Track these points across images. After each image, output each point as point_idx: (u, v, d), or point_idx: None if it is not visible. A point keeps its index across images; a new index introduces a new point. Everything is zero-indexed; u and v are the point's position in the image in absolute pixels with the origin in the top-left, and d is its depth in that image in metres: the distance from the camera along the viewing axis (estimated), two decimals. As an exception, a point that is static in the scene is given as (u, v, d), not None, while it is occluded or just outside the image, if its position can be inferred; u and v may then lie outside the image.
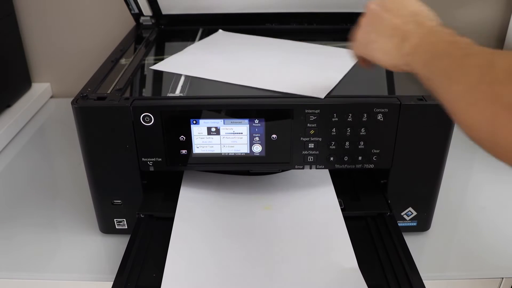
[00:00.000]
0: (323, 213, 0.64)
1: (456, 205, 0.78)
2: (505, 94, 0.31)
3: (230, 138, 0.62)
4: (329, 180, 0.70)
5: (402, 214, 0.68)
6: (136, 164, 0.62)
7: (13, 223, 0.75)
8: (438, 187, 0.66)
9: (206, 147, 0.62)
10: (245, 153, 0.63)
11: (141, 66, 0.75)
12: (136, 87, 0.68)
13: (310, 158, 0.63)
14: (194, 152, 0.62)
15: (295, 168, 0.64)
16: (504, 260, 0.66)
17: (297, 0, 0.92)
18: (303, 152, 0.62)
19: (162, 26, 0.96)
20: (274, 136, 0.61)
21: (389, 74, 0.69)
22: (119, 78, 0.68)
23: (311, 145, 0.62)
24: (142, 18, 0.96)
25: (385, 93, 0.66)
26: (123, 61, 0.76)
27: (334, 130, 0.61)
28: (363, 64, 0.56)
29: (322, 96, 0.60)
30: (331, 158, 0.63)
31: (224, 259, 0.57)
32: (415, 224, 0.69)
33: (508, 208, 0.77)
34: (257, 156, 0.63)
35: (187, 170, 0.71)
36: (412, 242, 0.65)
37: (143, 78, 0.72)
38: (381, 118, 0.60)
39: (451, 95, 0.37)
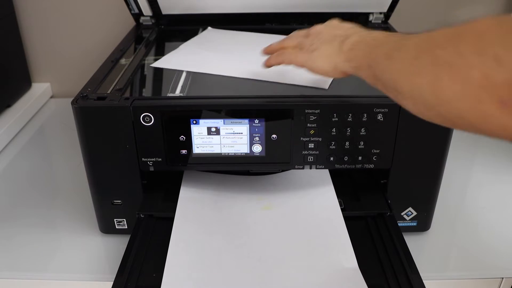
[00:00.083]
0: (323, 213, 0.64)
1: (456, 205, 0.78)
2: (444, 54, 0.33)
3: (230, 138, 0.62)
4: (329, 180, 0.70)
5: (402, 214, 0.68)
6: (136, 164, 0.62)
7: (13, 223, 0.75)
8: (438, 187, 0.66)
9: (206, 147, 0.62)
10: (245, 153, 0.63)
11: (141, 66, 0.75)
12: (136, 87, 0.68)
13: (310, 158, 0.63)
14: (194, 152, 0.62)
15: (295, 168, 0.64)
16: (504, 260, 0.66)
17: (297, 0, 0.92)
18: (303, 152, 0.62)
19: (162, 26, 0.96)
20: (274, 136, 0.61)
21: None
22: (119, 78, 0.68)
23: (311, 145, 0.62)
24: (142, 18, 0.97)
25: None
26: (123, 61, 0.76)
27: (334, 130, 0.61)
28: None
29: (326, 86, 0.60)
30: (331, 158, 0.63)
31: (224, 259, 0.57)
32: (415, 224, 0.69)
33: (508, 208, 0.77)
34: (257, 156, 0.63)
35: (187, 170, 0.71)
36: (412, 242, 0.65)
37: (143, 78, 0.72)
38: (381, 118, 0.60)
39: (394, 73, 0.39)
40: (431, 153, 0.63)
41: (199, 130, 0.61)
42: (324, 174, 0.71)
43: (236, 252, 0.58)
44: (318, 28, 0.58)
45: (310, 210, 0.65)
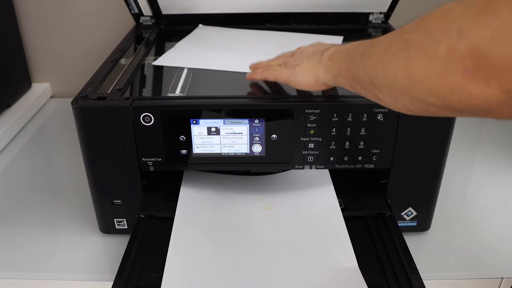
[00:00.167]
0: (323, 213, 0.64)
1: (456, 205, 0.78)
2: (413, 37, 0.35)
3: (230, 138, 0.62)
4: (329, 180, 0.70)
5: (402, 214, 0.68)
6: (136, 164, 0.62)
7: (13, 223, 0.75)
8: (438, 187, 0.66)
9: (206, 147, 0.62)
10: (245, 153, 0.63)
11: (141, 66, 0.75)
12: (136, 87, 0.68)
13: (310, 158, 0.63)
14: (194, 152, 0.62)
15: (295, 168, 0.64)
16: (504, 260, 0.66)
17: (297, 0, 0.92)
18: (303, 152, 0.62)
19: (162, 26, 0.96)
20: (274, 136, 0.61)
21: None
22: (119, 78, 0.68)
23: (311, 145, 0.62)
24: (142, 18, 0.96)
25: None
26: (123, 61, 0.76)
27: (334, 130, 0.61)
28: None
29: None
30: (331, 158, 0.63)
31: (224, 259, 0.57)
32: (415, 224, 0.69)
33: (508, 208, 0.77)
34: (257, 156, 0.63)
35: (187, 170, 0.71)
36: (412, 242, 0.65)
37: (143, 78, 0.72)
38: (381, 118, 0.60)
39: (368, 65, 0.41)
40: (431, 153, 0.63)
41: (199, 130, 0.61)
42: (324, 174, 0.71)
43: (236, 252, 0.58)
44: (302, 47, 0.61)
45: (310, 210, 0.65)
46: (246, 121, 0.60)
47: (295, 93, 0.63)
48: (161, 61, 0.74)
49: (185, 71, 0.71)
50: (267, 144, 0.62)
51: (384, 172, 0.66)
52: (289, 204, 0.67)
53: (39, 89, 1.17)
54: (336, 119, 0.60)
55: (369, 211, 0.67)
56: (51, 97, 1.21)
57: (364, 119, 0.60)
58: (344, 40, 0.85)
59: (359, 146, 0.62)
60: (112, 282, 0.54)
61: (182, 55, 0.77)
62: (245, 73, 0.69)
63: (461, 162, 0.89)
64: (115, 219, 0.68)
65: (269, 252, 0.58)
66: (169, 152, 0.62)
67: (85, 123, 0.60)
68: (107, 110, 0.59)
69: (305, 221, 0.63)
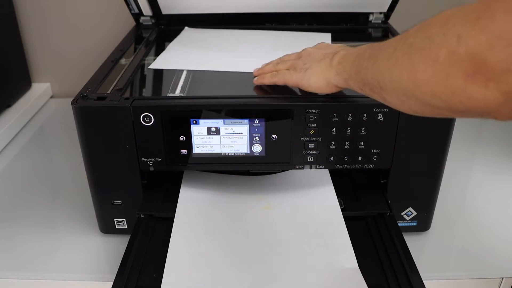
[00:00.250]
0: (323, 213, 0.64)
1: (456, 205, 0.78)
2: (416, 41, 0.37)
3: (230, 138, 0.62)
4: (329, 180, 0.70)
5: (402, 214, 0.68)
6: (136, 164, 0.62)
7: (13, 223, 0.75)
8: (438, 187, 0.66)
9: (206, 147, 0.62)
10: (245, 153, 0.63)
11: (141, 66, 0.75)
12: (136, 87, 0.68)
13: (310, 158, 0.63)
14: (194, 152, 0.62)
15: (295, 168, 0.64)
16: (504, 260, 0.67)
17: (297, 0, 0.92)
18: (303, 152, 0.62)
19: (162, 26, 0.96)
20: (274, 136, 0.61)
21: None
22: (119, 78, 0.68)
23: (311, 145, 0.62)
24: (142, 18, 0.96)
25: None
26: (123, 61, 0.76)
27: (334, 130, 0.61)
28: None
29: None
30: (331, 158, 0.63)
31: (224, 259, 0.57)
32: (415, 224, 0.69)
33: (508, 208, 0.77)
34: (257, 156, 0.63)
35: (187, 170, 0.71)
36: (412, 242, 0.65)
37: (143, 78, 0.72)
38: (381, 118, 0.60)
39: (376, 69, 0.43)
40: (431, 153, 0.63)
41: (199, 130, 0.61)
42: (324, 174, 0.71)
43: (236, 252, 0.58)
44: (308, 50, 0.62)
45: (310, 210, 0.65)
46: (246, 121, 0.60)
47: (295, 93, 0.63)
48: (157, 64, 0.74)
49: (185, 71, 0.71)
50: (267, 144, 0.62)
51: (384, 172, 0.66)
52: (289, 204, 0.67)
53: (39, 89, 1.17)
54: (336, 119, 0.60)
55: (369, 211, 0.67)
56: (51, 97, 1.21)
57: (364, 119, 0.60)
58: (332, 39, 0.85)
59: (359, 146, 0.62)
60: (112, 282, 0.54)
61: (177, 57, 0.77)
62: (244, 73, 0.69)
63: (461, 162, 0.89)
64: (115, 219, 0.68)
65: (269, 252, 0.58)
66: (169, 152, 0.62)
67: (85, 123, 0.60)
68: (107, 110, 0.59)
69: (305, 221, 0.63)
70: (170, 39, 0.89)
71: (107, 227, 0.69)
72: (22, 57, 1.13)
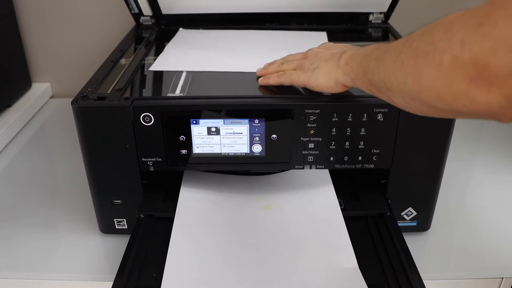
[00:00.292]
0: (323, 213, 0.64)
1: (456, 205, 0.78)
2: (421, 46, 0.37)
3: (230, 138, 0.62)
4: (329, 180, 0.70)
5: (402, 214, 0.68)
6: (136, 164, 0.62)
7: (13, 223, 0.75)
8: (438, 187, 0.66)
9: (206, 147, 0.62)
10: (245, 153, 0.63)
11: (141, 66, 0.75)
12: (136, 87, 0.68)
13: (310, 158, 0.63)
14: (194, 152, 0.62)
15: (295, 168, 0.64)
16: (504, 260, 0.67)
17: (297, 0, 0.92)
18: (303, 152, 0.62)
19: (162, 26, 0.96)
20: (274, 136, 0.61)
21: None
22: (119, 78, 0.68)
23: (311, 145, 0.62)
24: (142, 18, 0.96)
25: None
26: (123, 61, 0.76)
27: (334, 130, 0.61)
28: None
29: None
30: (331, 158, 0.63)
31: (224, 259, 0.57)
32: (415, 224, 0.69)
33: (508, 208, 0.77)
34: (257, 156, 0.63)
35: (187, 170, 0.71)
36: (412, 242, 0.65)
37: (143, 78, 0.72)
38: (381, 118, 0.60)
39: (383, 71, 0.44)
40: (431, 153, 0.63)
41: (199, 130, 0.61)
42: (324, 174, 0.71)
43: (236, 252, 0.58)
44: (314, 50, 0.63)
45: (310, 210, 0.65)
46: (246, 121, 0.60)
47: (295, 93, 0.63)
48: (156, 66, 0.74)
49: (184, 72, 0.71)
50: (267, 144, 0.62)
51: (384, 172, 0.66)
52: (289, 204, 0.67)
53: (39, 89, 1.17)
54: (336, 119, 0.60)
55: (369, 211, 0.67)
56: (51, 97, 1.21)
57: (364, 119, 0.60)
58: (333, 39, 0.85)
59: (359, 146, 0.62)
60: (112, 282, 0.54)
61: (176, 59, 0.77)
62: (244, 73, 0.69)
63: (461, 162, 0.89)
64: (115, 219, 0.68)
65: (269, 252, 0.58)
66: (169, 152, 0.62)
67: (85, 123, 0.60)
68: (107, 110, 0.59)
69: (305, 221, 0.63)
70: (170, 39, 0.89)
71: (107, 227, 0.69)
72: (22, 57, 1.13)
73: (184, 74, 0.70)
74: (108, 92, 0.63)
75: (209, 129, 0.61)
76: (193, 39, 0.88)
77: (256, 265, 0.56)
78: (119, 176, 0.64)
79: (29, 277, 0.65)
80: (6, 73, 1.05)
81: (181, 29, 0.93)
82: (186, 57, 0.77)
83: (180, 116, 0.60)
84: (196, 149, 0.62)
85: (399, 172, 0.64)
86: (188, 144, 0.62)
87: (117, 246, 0.68)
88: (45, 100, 1.18)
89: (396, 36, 0.86)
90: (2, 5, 1.02)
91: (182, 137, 0.61)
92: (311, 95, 0.61)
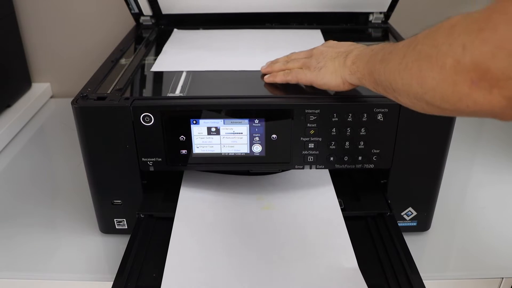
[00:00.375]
0: (323, 213, 0.64)
1: (456, 205, 0.78)
2: (424, 49, 0.38)
3: (230, 138, 0.62)
4: (329, 180, 0.70)
5: (402, 214, 0.68)
6: (136, 164, 0.62)
7: (13, 223, 0.75)
8: (438, 187, 0.66)
9: (206, 147, 0.62)
10: (245, 153, 0.63)
11: (141, 66, 0.75)
12: (136, 87, 0.68)
13: (310, 158, 0.63)
14: (194, 152, 0.62)
15: (295, 168, 0.64)
16: (504, 260, 0.66)
17: (297, 0, 0.92)
18: (303, 152, 0.62)
19: (162, 26, 0.96)
20: (274, 136, 0.61)
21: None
22: (119, 78, 0.68)
23: (311, 145, 0.62)
24: (142, 18, 0.96)
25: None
26: (123, 61, 0.76)
27: (334, 130, 0.61)
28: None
29: None
30: (331, 158, 0.63)
31: (224, 259, 0.57)
32: (415, 224, 0.69)
33: (508, 208, 0.77)
34: (257, 156, 0.63)
35: (187, 170, 0.71)
36: (412, 242, 0.65)
37: (143, 78, 0.72)
38: (381, 118, 0.60)
39: (388, 73, 0.45)
40: (431, 153, 0.63)
41: (199, 130, 0.61)
42: (324, 174, 0.71)
43: (236, 252, 0.58)
44: (320, 48, 0.64)
45: (310, 210, 0.65)
46: (246, 121, 0.60)
47: (295, 93, 0.63)
48: (156, 67, 0.74)
49: (184, 72, 0.71)
50: (267, 144, 0.62)
51: (384, 172, 0.66)
52: (289, 204, 0.67)
53: (39, 89, 1.17)
54: (336, 119, 0.60)
55: (369, 211, 0.67)
56: (51, 97, 1.21)
57: (364, 119, 0.60)
58: (328, 37, 0.86)
59: (359, 146, 0.62)
60: (112, 282, 0.54)
61: (175, 59, 0.77)
62: (244, 72, 0.70)
63: (461, 162, 0.89)
64: (115, 219, 0.68)
65: (269, 252, 0.58)
66: (169, 152, 0.62)
67: (85, 123, 0.60)
68: (107, 110, 0.59)
69: (305, 221, 0.63)
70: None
71: (107, 227, 0.69)
72: (22, 57, 1.13)
73: (184, 74, 0.70)
74: (108, 92, 0.63)
75: (209, 129, 0.61)
76: (189, 39, 0.88)
77: (256, 265, 0.56)
78: (119, 176, 0.64)
79: (29, 277, 0.65)
80: (6, 73, 1.05)
81: (175, 29, 0.93)
82: (184, 57, 0.77)
83: (180, 116, 0.60)
84: (196, 149, 0.62)
85: (399, 172, 0.64)
86: (188, 144, 0.62)
87: (117, 246, 0.68)
88: (45, 100, 1.18)
89: (396, 36, 0.86)
90: (2, 5, 1.02)
91: (182, 137, 0.61)
92: (311, 95, 0.61)
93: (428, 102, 0.40)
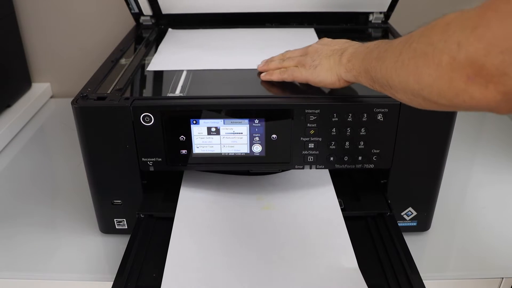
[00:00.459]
0: (323, 213, 0.64)
1: (456, 205, 0.78)
2: (420, 47, 0.39)
3: (230, 138, 0.62)
4: (329, 180, 0.70)
5: (402, 214, 0.68)
6: (136, 164, 0.62)
7: (13, 223, 0.75)
8: (438, 187, 0.66)
9: (206, 147, 0.62)
10: (245, 153, 0.63)
11: (141, 66, 0.75)
12: (136, 87, 0.68)
13: (310, 158, 0.63)
14: (194, 152, 0.62)
15: (295, 168, 0.64)
16: (504, 260, 0.66)
17: (297, 0, 0.92)
18: (303, 152, 0.62)
19: (162, 26, 0.96)
20: (274, 136, 0.61)
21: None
22: (119, 78, 0.68)
23: (311, 145, 0.62)
24: (142, 18, 0.96)
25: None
26: (123, 61, 0.76)
27: (334, 130, 0.61)
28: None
29: None
30: (331, 158, 0.63)
31: (224, 259, 0.57)
32: (415, 224, 0.69)
33: (508, 208, 0.77)
34: (257, 156, 0.63)
35: (187, 170, 0.71)
36: (412, 242, 0.65)
37: (143, 78, 0.72)
38: (381, 118, 0.60)
39: (385, 70, 0.45)
40: (431, 153, 0.63)
41: (199, 130, 0.61)
42: (324, 174, 0.71)
43: (236, 252, 0.58)
44: (314, 46, 0.64)
45: (310, 210, 0.65)
46: (246, 121, 0.60)
47: (295, 93, 0.63)
48: (152, 66, 0.74)
49: (185, 71, 0.71)
50: (267, 144, 0.62)
51: (384, 172, 0.66)
52: (289, 204, 0.67)
53: (39, 89, 1.17)
54: (336, 119, 0.60)
55: (369, 211, 0.67)
56: (51, 97, 1.21)
57: (364, 119, 0.60)
58: (328, 37, 0.86)
59: (359, 146, 0.62)
60: (112, 282, 0.54)
61: (171, 58, 0.77)
62: (243, 71, 0.70)
63: (461, 162, 0.89)
64: (115, 219, 0.68)
65: (269, 252, 0.58)
66: (169, 152, 0.62)
67: (85, 123, 0.60)
68: (107, 110, 0.59)
69: (305, 221, 0.63)
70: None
71: (107, 227, 0.69)
72: (22, 57, 1.13)
73: (184, 74, 0.70)
74: (108, 92, 0.63)
75: (209, 129, 0.61)
76: (183, 38, 0.88)
77: (256, 265, 0.56)
78: (119, 176, 0.64)
79: (29, 277, 0.65)
80: (6, 73, 1.05)
81: (170, 29, 0.93)
82: (179, 56, 0.78)
83: (180, 116, 0.60)
84: (196, 149, 0.62)
85: (399, 172, 0.64)
86: (188, 144, 0.62)
87: (117, 246, 0.68)
88: (45, 100, 1.18)
89: (396, 36, 0.86)
90: (2, 5, 1.02)
91: (182, 137, 0.61)
92: (311, 95, 0.61)
93: (425, 98, 0.40)
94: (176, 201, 0.66)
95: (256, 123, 0.60)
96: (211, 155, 0.63)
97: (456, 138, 0.64)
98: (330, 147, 0.62)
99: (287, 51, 0.68)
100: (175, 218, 0.63)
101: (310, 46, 0.65)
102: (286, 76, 0.64)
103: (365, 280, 0.53)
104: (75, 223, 0.74)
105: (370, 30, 0.95)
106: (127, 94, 0.64)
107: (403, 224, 0.68)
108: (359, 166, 0.63)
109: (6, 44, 1.05)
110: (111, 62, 0.75)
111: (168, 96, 0.63)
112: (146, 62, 0.77)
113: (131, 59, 0.77)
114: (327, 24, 0.95)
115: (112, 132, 0.60)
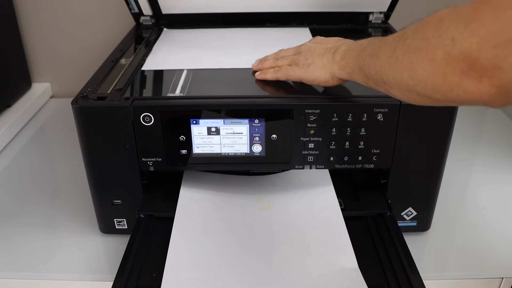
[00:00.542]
0: (323, 213, 0.64)
1: (456, 205, 0.78)
2: (414, 42, 0.39)
3: (230, 138, 0.62)
4: (329, 180, 0.70)
5: (402, 214, 0.68)
6: (136, 164, 0.62)
7: (13, 222, 0.75)
8: (438, 187, 0.66)
9: (206, 147, 0.62)
10: (245, 153, 0.63)
11: (141, 66, 0.75)
12: (136, 87, 0.68)
13: (310, 158, 0.63)
14: (194, 152, 0.62)
15: (295, 168, 0.64)
16: (504, 260, 0.66)
17: (297, 0, 0.92)
18: (303, 152, 0.62)
19: (162, 26, 0.96)
20: (274, 136, 0.61)
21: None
22: (119, 78, 0.68)
23: (311, 145, 0.62)
24: (142, 18, 0.96)
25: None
26: (123, 61, 0.76)
27: (334, 130, 0.61)
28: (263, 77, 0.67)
29: None
30: (331, 158, 0.63)
31: (224, 259, 0.57)
32: (415, 224, 0.69)
33: (508, 208, 0.77)
34: (257, 156, 0.63)
35: (187, 170, 0.71)
36: (412, 242, 0.65)
37: (143, 78, 0.72)
38: (381, 118, 0.60)
39: (379, 67, 0.46)
40: (431, 153, 0.63)
41: (199, 130, 0.61)
42: (324, 174, 0.71)
43: (236, 252, 0.58)
44: (307, 44, 0.65)
45: (310, 210, 0.65)
46: (246, 121, 0.60)
47: (295, 93, 0.63)
48: (148, 66, 0.74)
49: (185, 71, 0.71)
50: (267, 144, 0.62)
51: (384, 172, 0.66)
52: (289, 204, 0.67)
53: (39, 89, 1.17)
54: (336, 119, 0.60)
55: (369, 211, 0.67)
56: (51, 97, 1.21)
57: (364, 119, 0.60)
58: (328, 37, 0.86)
59: (359, 146, 0.62)
60: (112, 282, 0.54)
61: (165, 58, 0.77)
62: (241, 70, 0.70)
63: (461, 162, 0.89)
64: (115, 219, 0.68)
65: (269, 252, 0.58)
66: (169, 152, 0.62)
67: (85, 123, 0.60)
68: (107, 110, 0.59)
69: (305, 221, 0.63)
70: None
71: (107, 227, 0.69)
72: (22, 57, 1.13)
73: (184, 74, 0.70)
74: (108, 92, 0.63)
75: (209, 129, 0.61)
76: (180, 38, 0.88)
77: (256, 265, 0.56)
78: (119, 176, 0.64)
79: (29, 277, 0.65)
80: (6, 73, 1.05)
81: (165, 29, 0.93)
82: (174, 55, 0.78)
83: (180, 116, 0.60)
84: (196, 149, 0.62)
85: (399, 172, 0.64)
86: (188, 144, 0.62)
87: (117, 246, 0.68)
88: (45, 100, 1.18)
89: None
90: (2, 5, 1.02)
91: (182, 137, 0.61)
92: (311, 95, 0.61)
93: (420, 93, 0.40)
94: (176, 201, 0.66)
95: (256, 123, 0.60)
96: (211, 155, 0.63)
97: (456, 138, 0.64)
98: (330, 147, 0.62)
99: (280, 50, 0.69)
100: (175, 218, 0.63)
101: (303, 44, 0.65)
102: (280, 75, 0.64)
103: (365, 280, 0.53)
104: (75, 223, 0.74)
105: (370, 30, 0.95)
106: (127, 94, 0.64)
107: (403, 224, 0.68)
108: (359, 166, 0.63)
109: (6, 44, 1.05)
110: (111, 62, 0.75)
111: (168, 96, 0.63)
112: (146, 62, 0.77)
113: (131, 59, 0.77)
114: (327, 24, 0.95)
115: (112, 132, 0.60)
